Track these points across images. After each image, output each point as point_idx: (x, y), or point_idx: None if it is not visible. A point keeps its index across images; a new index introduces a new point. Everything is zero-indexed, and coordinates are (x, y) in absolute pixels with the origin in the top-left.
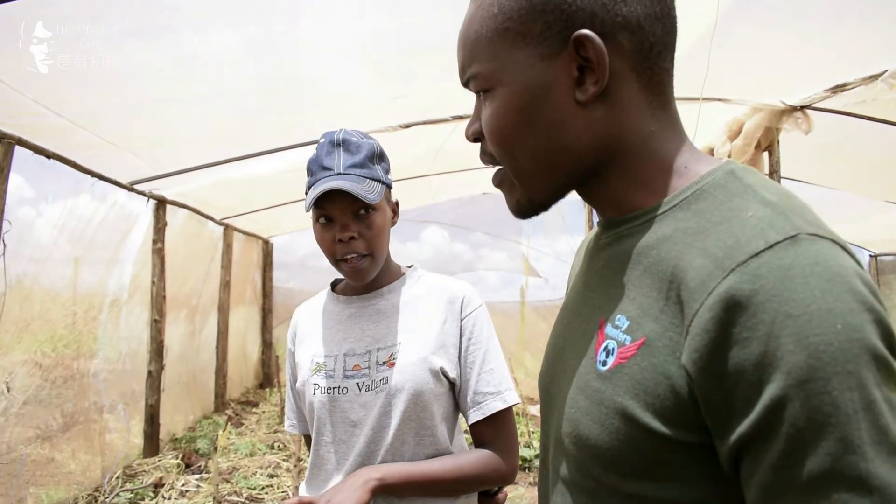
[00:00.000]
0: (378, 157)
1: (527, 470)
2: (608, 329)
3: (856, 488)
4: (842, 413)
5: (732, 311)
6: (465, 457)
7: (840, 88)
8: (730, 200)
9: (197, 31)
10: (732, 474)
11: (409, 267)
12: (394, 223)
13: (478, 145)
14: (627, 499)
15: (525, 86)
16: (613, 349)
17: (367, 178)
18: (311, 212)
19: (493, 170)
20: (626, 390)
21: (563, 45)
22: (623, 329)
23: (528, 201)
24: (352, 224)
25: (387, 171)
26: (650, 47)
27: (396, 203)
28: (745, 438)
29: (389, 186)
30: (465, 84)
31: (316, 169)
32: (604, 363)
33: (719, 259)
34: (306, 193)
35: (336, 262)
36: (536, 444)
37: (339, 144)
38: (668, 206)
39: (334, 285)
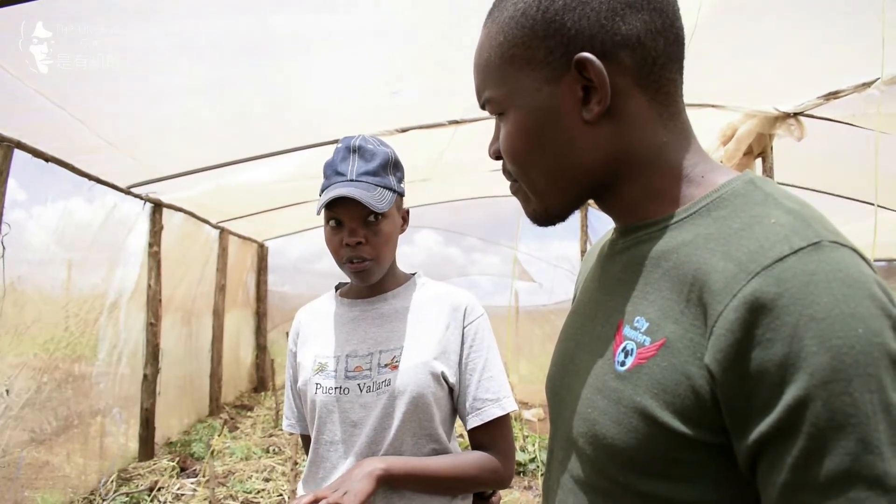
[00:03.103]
0: (392, 165)
1: (521, 474)
2: (626, 330)
3: (873, 487)
4: (862, 414)
5: (757, 312)
6: (466, 457)
7: (833, 96)
8: (751, 208)
9: (197, 28)
10: (749, 475)
11: (414, 274)
12: (403, 230)
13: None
14: (642, 498)
15: (533, 109)
16: (632, 350)
17: (378, 186)
18: (322, 213)
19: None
20: (646, 390)
21: (566, 68)
22: (642, 330)
23: (545, 212)
24: (360, 230)
25: (400, 180)
26: (653, 61)
27: (407, 211)
28: (765, 438)
29: (401, 195)
30: (482, 107)
31: (330, 173)
32: (622, 363)
33: (743, 263)
34: (320, 195)
35: (342, 263)
36: (531, 447)
37: (354, 151)
38: (687, 213)
39: (338, 288)
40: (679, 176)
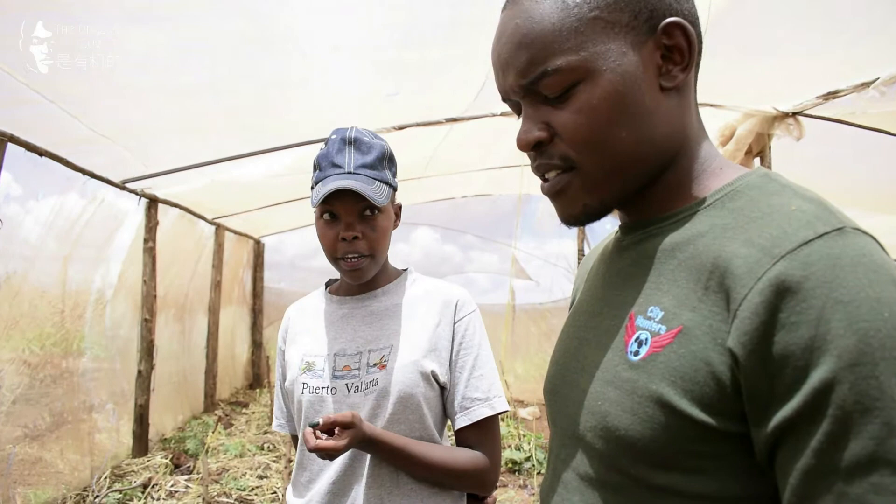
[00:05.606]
0: (388, 159)
1: (517, 472)
2: (639, 321)
3: None
4: (887, 398)
5: (782, 295)
6: (459, 451)
7: (832, 95)
8: (768, 198)
9: (193, 25)
10: (765, 463)
11: (405, 270)
12: (395, 226)
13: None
14: (654, 492)
15: (621, 74)
16: (647, 339)
17: (376, 179)
18: (315, 207)
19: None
20: (662, 377)
21: (651, 34)
22: (657, 319)
23: (600, 202)
24: (356, 224)
25: (394, 175)
26: (699, 43)
27: (400, 206)
28: (787, 423)
29: (395, 189)
30: (537, 81)
31: (325, 165)
32: (636, 353)
33: (767, 248)
34: (312, 188)
35: (335, 259)
36: (527, 446)
37: (350, 143)
38: (701, 206)
39: (328, 285)
40: (704, 166)
